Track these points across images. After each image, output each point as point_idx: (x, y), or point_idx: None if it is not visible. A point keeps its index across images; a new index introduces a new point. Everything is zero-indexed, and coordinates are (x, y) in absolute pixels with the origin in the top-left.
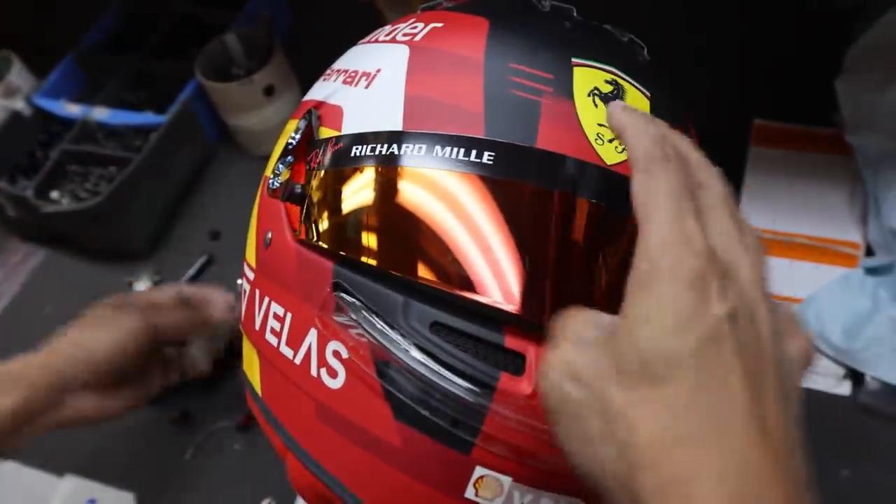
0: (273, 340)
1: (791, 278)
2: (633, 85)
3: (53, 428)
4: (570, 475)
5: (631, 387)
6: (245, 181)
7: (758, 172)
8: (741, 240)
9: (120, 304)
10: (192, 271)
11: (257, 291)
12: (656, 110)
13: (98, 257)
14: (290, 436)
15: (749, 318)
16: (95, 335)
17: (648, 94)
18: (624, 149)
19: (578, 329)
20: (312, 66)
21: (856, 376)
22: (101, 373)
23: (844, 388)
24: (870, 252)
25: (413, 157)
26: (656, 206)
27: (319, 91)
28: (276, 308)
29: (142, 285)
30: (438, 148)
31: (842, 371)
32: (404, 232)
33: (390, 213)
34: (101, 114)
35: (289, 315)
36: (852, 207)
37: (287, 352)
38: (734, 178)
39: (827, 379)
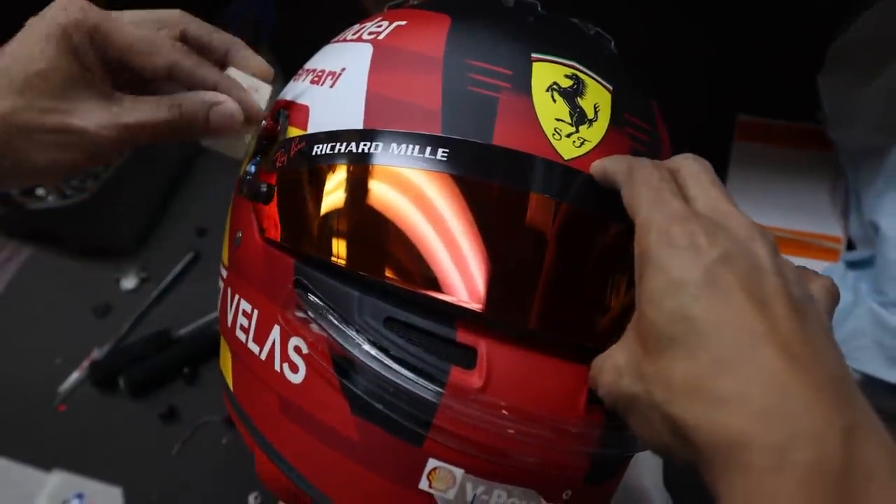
0: (242, 336)
1: None
2: (595, 79)
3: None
4: (522, 467)
5: (658, 357)
6: (229, 181)
7: (741, 167)
8: (726, 199)
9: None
10: (178, 268)
11: (229, 290)
12: (618, 103)
13: (84, 254)
14: (257, 429)
15: (745, 255)
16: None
17: (611, 88)
18: (582, 143)
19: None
20: (298, 65)
21: None
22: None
23: None
24: (851, 246)
25: (369, 155)
26: (638, 199)
27: (290, 91)
28: (245, 305)
29: (129, 282)
30: (394, 145)
31: None
32: (359, 229)
33: (345, 210)
34: None
35: (256, 312)
36: (834, 202)
37: (254, 347)
38: (718, 173)
39: None
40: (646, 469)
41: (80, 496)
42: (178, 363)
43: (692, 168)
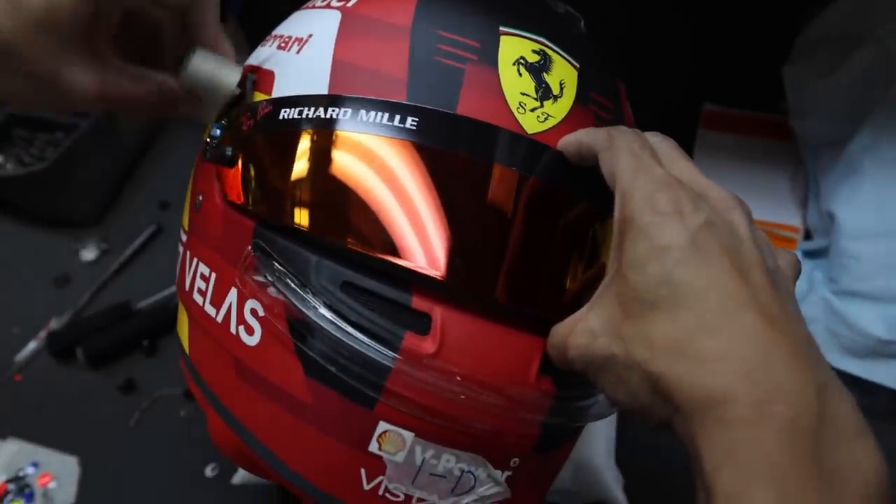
0: (199, 299)
1: None
2: (562, 56)
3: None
4: (471, 433)
5: (639, 319)
6: (194, 153)
7: (704, 156)
8: (700, 172)
9: None
10: (140, 240)
11: (188, 253)
12: (584, 81)
13: (44, 224)
14: (211, 391)
15: (725, 223)
16: None
17: (577, 66)
18: (546, 118)
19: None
20: (266, 36)
21: None
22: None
23: None
24: (809, 236)
25: (337, 121)
26: (619, 166)
27: (257, 56)
28: (203, 268)
29: (89, 253)
30: (363, 112)
31: None
32: (323, 194)
33: (310, 175)
34: None
35: (213, 275)
36: (794, 192)
37: (210, 310)
38: None
39: None
40: (598, 447)
41: (35, 465)
42: (137, 335)
43: (663, 144)
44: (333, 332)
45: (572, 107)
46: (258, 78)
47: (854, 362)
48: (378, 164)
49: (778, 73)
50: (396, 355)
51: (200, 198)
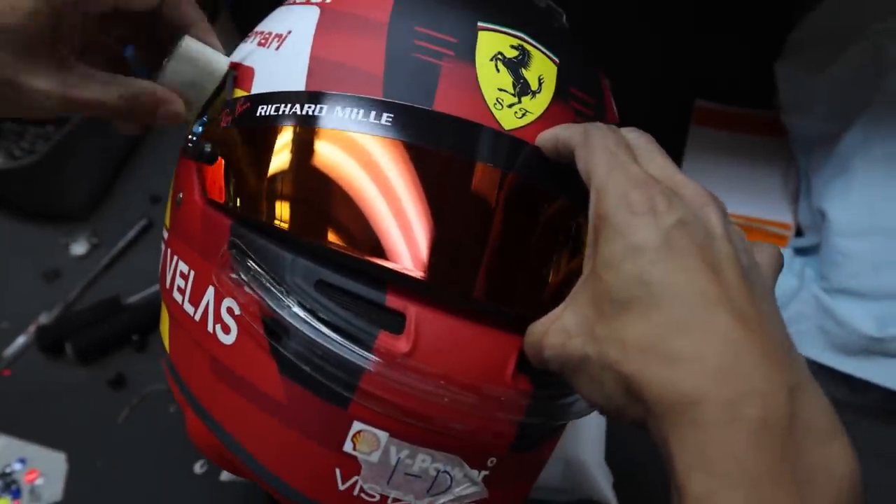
0: (178, 298)
1: None
2: (541, 50)
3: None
4: (447, 433)
5: (612, 319)
6: None
7: (697, 152)
8: (675, 168)
9: None
10: (130, 235)
11: (169, 251)
12: (565, 76)
13: (33, 218)
14: (189, 390)
15: (699, 220)
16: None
17: (557, 61)
18: (524, 114)
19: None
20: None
21: None
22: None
23: None
24: (800, 233)
25: (314, 118)
26: (594, 163)
27: (239, 52)
28: (182, 266)
29: (79, 248)
30: (339, 108)
31: None
32: (299, 191)
33: (287, 172)
34: None
35: (192, 273)
36: (785, 189)
37: (189, 308)
38: (674, 157)
39: None
40: (588, 445)
41: (22, 461)
42: (127, 330)
43: (639, 140)
44: (307, 332)
45: (551, 102)
46: (239, 74)
47: (845, 360)
48: (358, 162)
49: (770, 69)
50: (370, 355)
51: (181, 195)
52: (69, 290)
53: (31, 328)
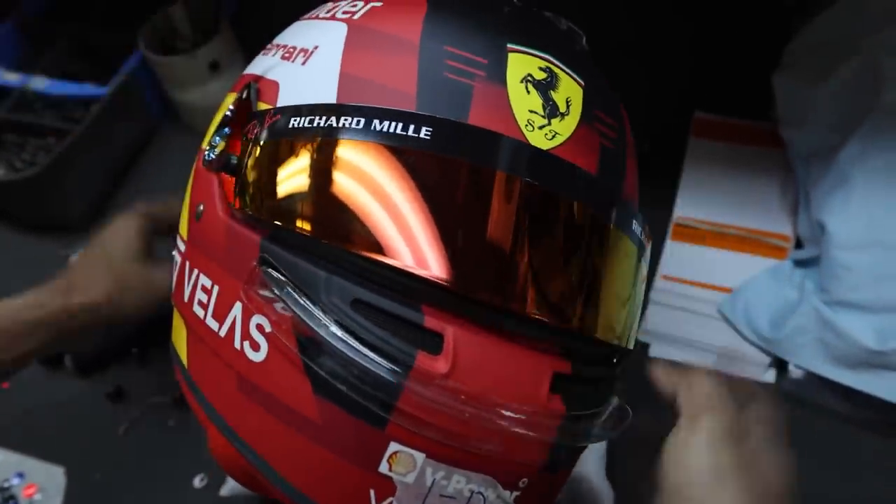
0: (200, 312)
1: (723, 268)
2: (568, 73)
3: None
4: (482, 454)
5: None
6: (188, 158)
7: (696, 164)
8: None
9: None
10: None
11: (187, 263)
12: (590, 98)
13: (34, 230)
14: (212, 407)
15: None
16: (121, 294)
17: (582, 83)
18: (554, 136)
19: None
20: (259, 42)
21: (780, 365)
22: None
23: (769, 376)
24: (800, 245)
25: (351, 131)
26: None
27: (258, 65)
28: (204, 280)
29: None
30: (377, 122)
31: (767, 359)
32: (332, 201)
33: (325, 183)
34: (40, 83)
35: (216, 288)
36: (784, 201)
37: (213, 324)
38: (673, 169)
39: (753, 367)
40: (590, 460)
41: (20, 475)
42: (126, 343)
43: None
44: (344, 351)
45: (578, 124)
46: (261, 87)
47: (845, 373)
48: (391, 174)
49: (768, 81)
50: (408, 375)
51: (201, 207)
52: None
53: None
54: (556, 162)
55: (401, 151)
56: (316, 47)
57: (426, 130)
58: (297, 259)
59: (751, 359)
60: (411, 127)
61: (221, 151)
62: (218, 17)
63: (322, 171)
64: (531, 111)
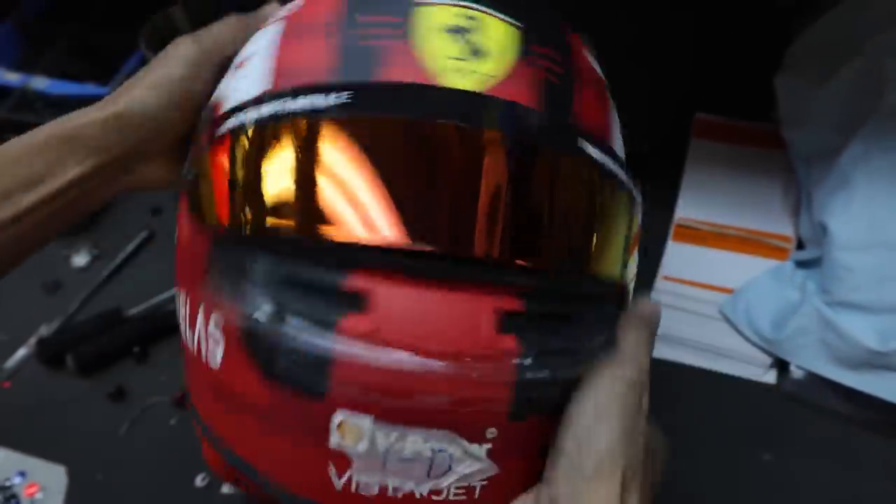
0: (183, 329)
1: (724, 269)
2: (495, 15)
3: (117, 194)
4: (433, 408)
5: None
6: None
7: (697, 165)
8: None
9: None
10: (131, 246)
11: (176, 287)
12: (529, 37)
13: None
14: (200, 417)
15: None
16: (160, 101)
17: (518, 24)
18: (483, 77)
19: None
20: None
21: (782, 365)
22: (173, 145)
23: (770, 377)
24: (801, 246)
25: (273, 115)
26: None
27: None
28: (181, 296)
29: (80, 259)
30: (301, 97)
31: (769, 360)
32: (254, 189)
33: (249, 171)
34: (40, 83)
35: (187, 301)
36: (786, 202)
37: (188, 336)
38: (674, 170)
39: (754, 368)
40: None
41: (22, 474)
42: (127, 342)
43: None
44: (277, 328)
45: (516, 63)
46: (210, 111)
47: (847, 373)
48: (312, 145)
49: (770, 82)
50: (336, 339)
51: (177, 229)
52: (70, 301)
53: (32, 340)
54: (474, 96)
55: (310, 125)
56: (255, 51)
57: (347, 95)
58: (238, 252)
59: (752, 360)
60: (332, 95)
61: (185, 169)
62: (218, 18)
63: (248, 160)
64: (450, 58)
